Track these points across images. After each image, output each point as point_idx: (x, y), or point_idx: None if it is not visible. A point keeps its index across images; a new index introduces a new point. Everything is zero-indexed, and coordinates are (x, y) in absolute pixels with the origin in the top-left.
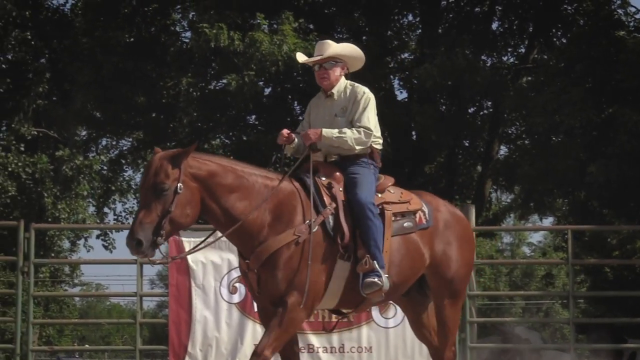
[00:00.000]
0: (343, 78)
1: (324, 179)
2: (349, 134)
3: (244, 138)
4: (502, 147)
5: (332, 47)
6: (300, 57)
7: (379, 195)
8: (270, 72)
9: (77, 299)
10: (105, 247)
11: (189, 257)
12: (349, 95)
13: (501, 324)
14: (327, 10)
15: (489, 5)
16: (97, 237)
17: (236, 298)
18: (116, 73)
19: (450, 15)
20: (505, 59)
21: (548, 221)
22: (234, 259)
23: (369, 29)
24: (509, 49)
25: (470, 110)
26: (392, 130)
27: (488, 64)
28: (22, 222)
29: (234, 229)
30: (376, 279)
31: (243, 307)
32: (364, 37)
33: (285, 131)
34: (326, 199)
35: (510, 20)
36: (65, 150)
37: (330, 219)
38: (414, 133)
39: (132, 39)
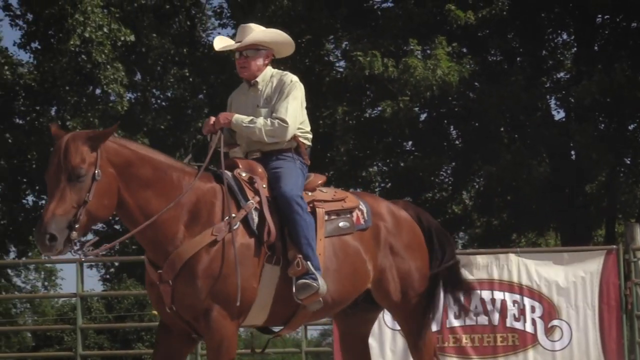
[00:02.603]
0: (269, 67)
1: (244, 174)
2: (260, 123)
3: (401, 164)
4: None
5: (254, 33)
6: (218, 44)
7: (309, 193)
8: (425, 97)
9: (242, 329)
10: None
11: None
12: (276, 85)
13: None
14: (480, 33)
15: None
16: None
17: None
18: None
19: (606, 32)
20: None
21: None
22: None
23: (523, 49)
24: None
25: (631, 127)
26: (550, 151)
27: None
28: None
29: (146, 225)
30: (311, 281)
31: None
32: (518, 58)
33: (212, 119)
34: (248, 192)
35: None
36: None
37: (254, 215)
38: (573, 153)
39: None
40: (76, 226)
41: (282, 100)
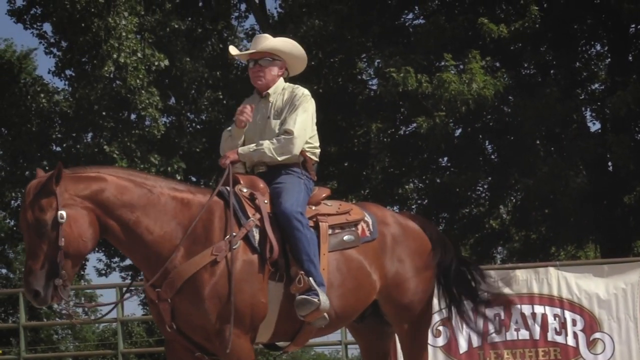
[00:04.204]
0: (281, 79)
1: (245, 190)
2: (266, 144)
3: (437, 180)
4: None
5: (269, 41)
6: (233, 51)
7: (313, 207)
8: (461, 111)
9: None
10: None
11: None
12: (287, 97)
13: None
14: (512, 47)
15: None
16: None
17: (440, 341)
18: None
19: None
20: None
21: None
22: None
23: (557, 62)
24: None
25: None
26: (587, 162)
27: None
28: None
29: (131, 241)
30: (311, 297)
31: (448, 350)
32: (552, 71)
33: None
34: (249, 210)
35: None
36: None
37: (255, 232)
38: (610, 164)
39: (320, 90)
40: (61, 272)
41: (292, 112)
